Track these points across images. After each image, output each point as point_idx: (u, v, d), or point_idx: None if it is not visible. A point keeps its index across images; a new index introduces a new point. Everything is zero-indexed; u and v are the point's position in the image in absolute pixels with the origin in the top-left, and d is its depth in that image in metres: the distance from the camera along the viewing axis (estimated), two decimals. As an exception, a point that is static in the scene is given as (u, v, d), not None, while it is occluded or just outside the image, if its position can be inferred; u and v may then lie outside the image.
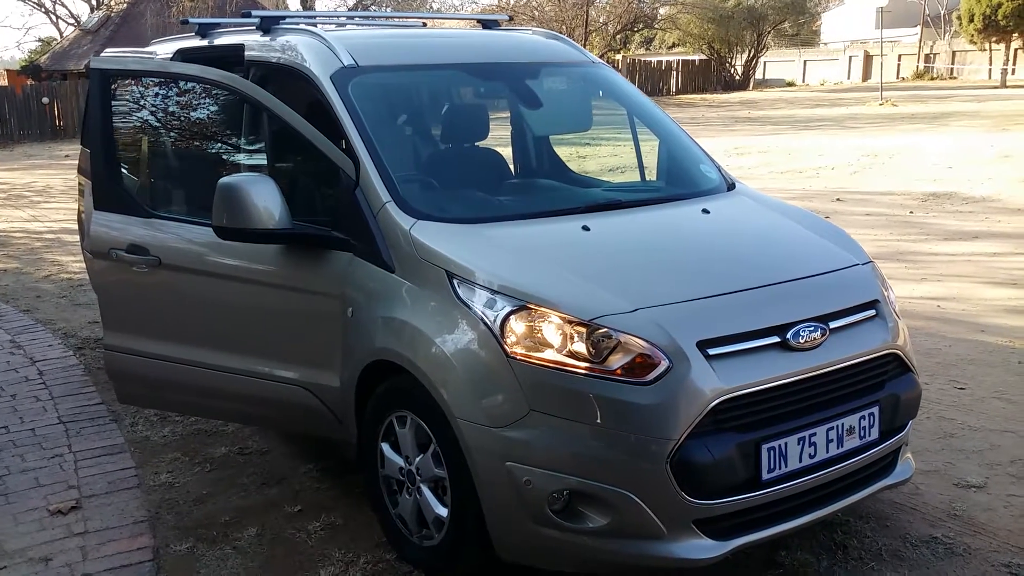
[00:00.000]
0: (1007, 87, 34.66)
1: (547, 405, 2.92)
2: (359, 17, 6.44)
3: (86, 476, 4.28)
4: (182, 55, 4.62)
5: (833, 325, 3.16)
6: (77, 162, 6.53)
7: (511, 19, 6.00)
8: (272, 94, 3.77)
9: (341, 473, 4.23)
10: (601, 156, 6.56)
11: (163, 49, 5.08)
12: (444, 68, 4.37)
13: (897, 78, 43.43)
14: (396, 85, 4.24)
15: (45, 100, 29.09)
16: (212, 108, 4.43)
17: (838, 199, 11.72)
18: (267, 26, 4.36)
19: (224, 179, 3.57)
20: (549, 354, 2.94)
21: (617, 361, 2.89)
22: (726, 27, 44.95)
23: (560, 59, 4.62)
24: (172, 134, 4.62)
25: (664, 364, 2.86)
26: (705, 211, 3.79)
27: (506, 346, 2.98)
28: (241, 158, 4.32)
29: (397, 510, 3.49)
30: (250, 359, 3.92)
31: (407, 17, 6.59)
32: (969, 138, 17.67)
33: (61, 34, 44.59)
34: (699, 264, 3.40)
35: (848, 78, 47.56)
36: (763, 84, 47.30)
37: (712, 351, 2.92)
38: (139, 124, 4.49)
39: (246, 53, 4.24)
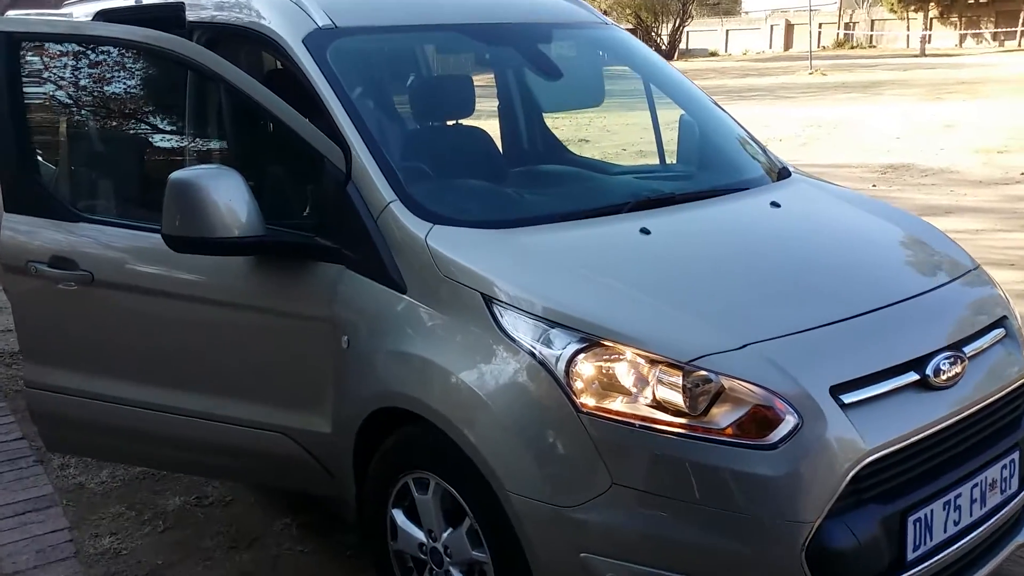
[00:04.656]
0: (926, 55, 35.09)
1: (635, 478, 2.22)
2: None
3: (7, 543, 3.43)
4: (105, 17, 3.70)
5: (968, 352, 2.53)
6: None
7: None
8: None
9: (326, 531, 3.47)
10: (561, 128, 5.83)
11: (81, 11, 4.16)
12: (440, 29, 3.58)
13: (818, 47, 43.64)
14: (385, 51, 3.45)
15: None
16: (154, 82, 3.57)
17: (797, 173, 11.27)
18: None
19: (176, 173, 2.75)
20: (634, 408, 2.23)
21: (726, 417, 2.20)
22: (652, -5, 44.64)
23: (569, 19, 3.86)
24: (103, 116, 3.71)
25: (792, 420, 2.18)
26: (775, 204, 3.12)
27: (575, 397, 2.26)
28: (194, 145, 3.49)
29: (416, 596, 2.77)
30: (213, 399, 3.12)
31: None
32: (906, 107, 17.81)
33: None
34: (800, 279, 2.70)
35: (770, 47, 47.68)
36: (687, 54, 47.08)
37: (847, 398, 2.25)
38: (61, 103, 3.60)
39: (188, 13, 3.39)
